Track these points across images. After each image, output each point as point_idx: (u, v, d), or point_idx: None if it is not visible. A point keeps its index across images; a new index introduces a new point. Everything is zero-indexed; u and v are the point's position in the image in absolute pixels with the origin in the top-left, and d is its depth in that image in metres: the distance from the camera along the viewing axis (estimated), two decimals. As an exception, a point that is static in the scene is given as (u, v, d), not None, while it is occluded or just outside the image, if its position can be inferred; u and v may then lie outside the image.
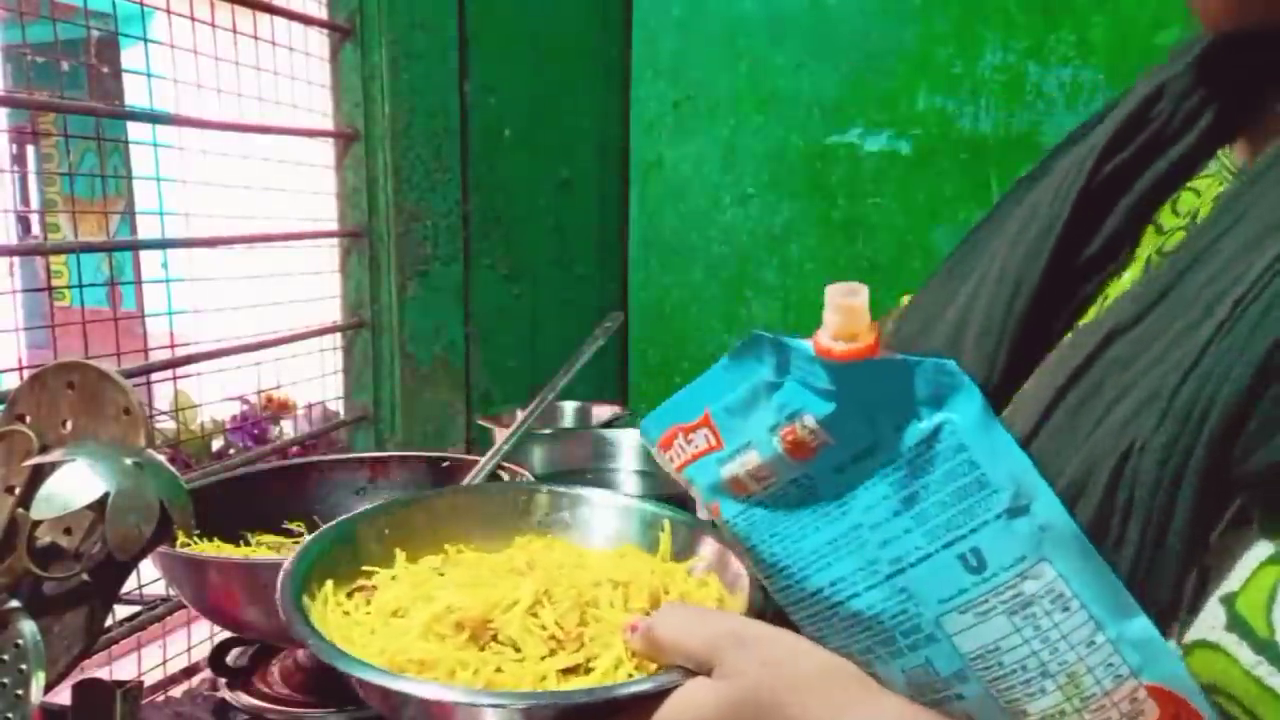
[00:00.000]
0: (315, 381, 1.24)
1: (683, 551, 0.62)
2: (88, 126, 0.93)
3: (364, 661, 0.48)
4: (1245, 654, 0.33)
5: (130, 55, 1.07)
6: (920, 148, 1.55)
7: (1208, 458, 0.35)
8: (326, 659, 0.48)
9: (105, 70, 1.01)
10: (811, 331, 0.44)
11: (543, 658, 0.50)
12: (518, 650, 0.51)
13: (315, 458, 1.12)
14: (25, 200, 1.25)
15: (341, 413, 1.29)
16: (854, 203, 1.60)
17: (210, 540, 0.88)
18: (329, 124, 1.23)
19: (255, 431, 1.22)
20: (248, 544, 0.92)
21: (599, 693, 0.46)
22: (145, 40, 0.98)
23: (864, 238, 1.60)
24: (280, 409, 1.25)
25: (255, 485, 0.97)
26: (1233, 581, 0.35)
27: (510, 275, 1.49)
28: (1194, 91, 0.51)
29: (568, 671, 0.49)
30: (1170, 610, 0.36)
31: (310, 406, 1.27)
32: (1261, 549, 0.34)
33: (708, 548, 0.61)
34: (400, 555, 0.62)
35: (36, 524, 0.55)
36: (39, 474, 0.54)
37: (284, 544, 0.94)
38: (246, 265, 1.11)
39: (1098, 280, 0.50)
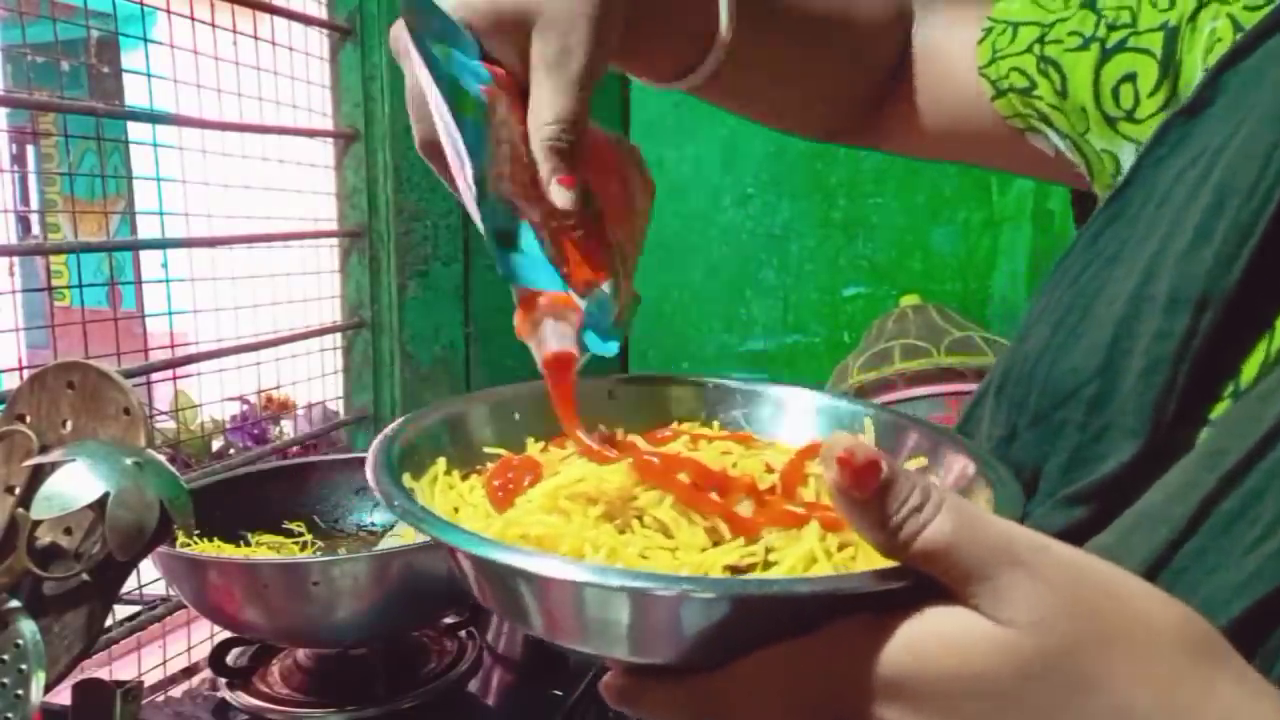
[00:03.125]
0: (315, 381, 1.24)
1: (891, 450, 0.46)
2: (88, 126, 0.93)
3: (470, 532, 0.35)
4: None
5: (130, 55, 1.07)
6: (920, 148, 1.55)
7: None
8: (420, 526, 0.35)
9: (105, 70, 1.01)
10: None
11: (703, 549, 0.36)
12: (669, 537, 0.37)
13: (315, 458, 1.12)
14: (25, 200, 1.24)
15: (341, 413, 1.29)
16: (854, 203, 1.60)
17: (210, 540, 0.88)
18: (329, 124, 1.23)
19: (255, 431, 1.22)
20: (248, 544, 0.92)
21: (821, 584, 0.32)
22: (145, 40, 0.98)
23: (864, 238, 1.60)
24: (280, 409, 1.25)
25: (255, 485, 0.97)
26: None
27: (510, 275, 1.49)
28: None
29: (735, 570, 0.35)
30: None
31: (310, 406, 1.27)
32: None
33: (920, 445, 0.46)
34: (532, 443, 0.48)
35: (36, 524, 0.55)
36: (39, 474, 0.54)
37: (284, 544, 0.94)
38: (246, 265, 1.11)
39: None
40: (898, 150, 0.66)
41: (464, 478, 0.45)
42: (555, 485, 0.40)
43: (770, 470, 0.42)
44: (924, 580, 0.29)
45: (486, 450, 0.47)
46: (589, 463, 0.42)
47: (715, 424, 0.53)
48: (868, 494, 0.28)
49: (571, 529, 0.37)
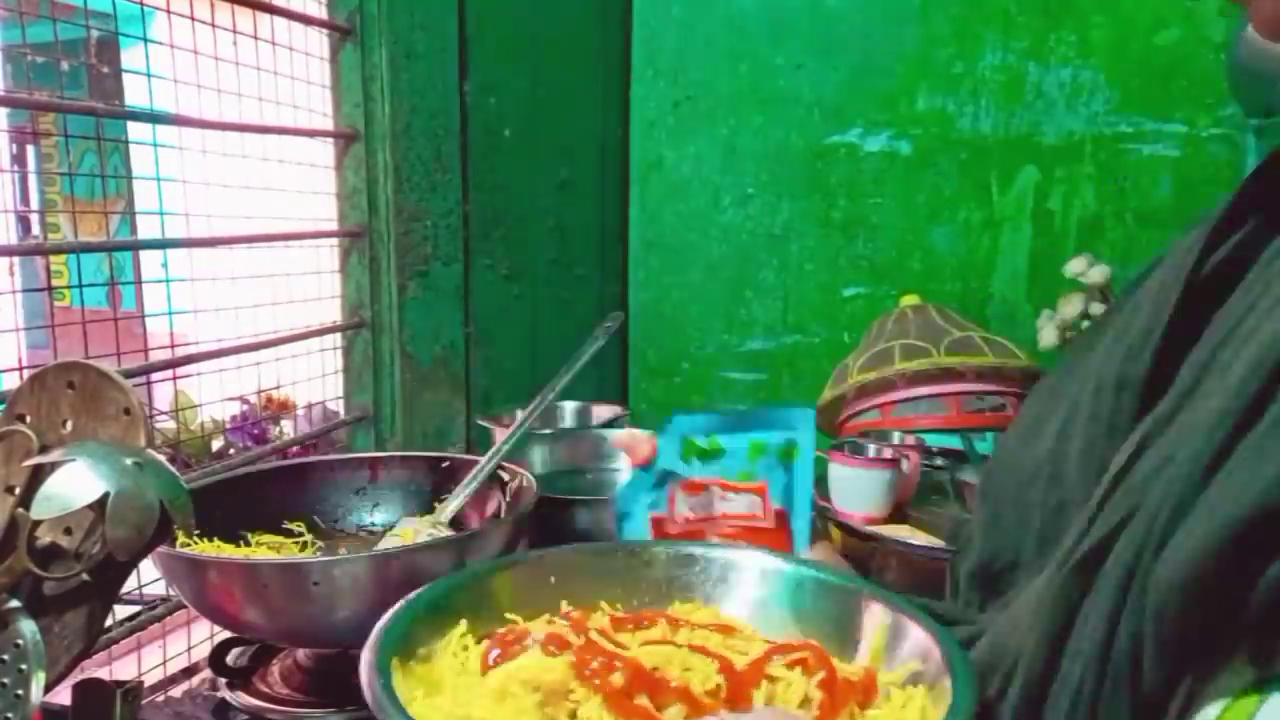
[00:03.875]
0: (315, 381, 1.24)
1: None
2: (88, 126, 0.93)
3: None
4: None
5: (130, 55, 1.07)
6: (920, 148, 1.55)
7: (1169, 594, 0.34)
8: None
9: (105, 70, 1.01)
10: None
11: None
12: None
13: (315, 458, 1.12)
14: (25, 200, 1.24)
15: (341, 413, 1.29)
16: (854, 203, 1.60)
17: (210, 540, 0.88)
18: (329, 124, 1.23)
19: (255, 431, 1.22)
20: (248, 544, 0.92)
21: None
22: (145, 40, 0.98)
23: (864, 238, 1.60)
24: (280, 409, 1.25)
25: (255, 485, 0.97)
26: (1212, 709, 0.33)
27: (510, 275, 1.49)
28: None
29: None
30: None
31: (310, 406, 1.27)
32: (1245, 675, 0.33)
33: (883, 619, 0.49)
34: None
35: (37, 524, 0.55)
36: (39, 474, 0.54)
37: (284, 544, 0.94)
38: (246, 265, 1.11)
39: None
40: None
41: (479, 640, 0.50)
42: (507, 672, 0.44)
43: (726, 669, 0.45)
44: None
45: (506, 615, 0.53)
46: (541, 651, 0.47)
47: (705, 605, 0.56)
48: None
49: (507, 717, 0.42)
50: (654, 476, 0.67)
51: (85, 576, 0.56)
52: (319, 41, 1.20)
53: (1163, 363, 0.44)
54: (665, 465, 0.67)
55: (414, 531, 0.92)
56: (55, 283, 0.97)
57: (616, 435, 0.71)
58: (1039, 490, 0.48)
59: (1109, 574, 0.36)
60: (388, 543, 0.93)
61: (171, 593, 0.92)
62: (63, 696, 0.59)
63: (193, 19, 1.00)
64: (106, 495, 0.52)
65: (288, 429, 1.26)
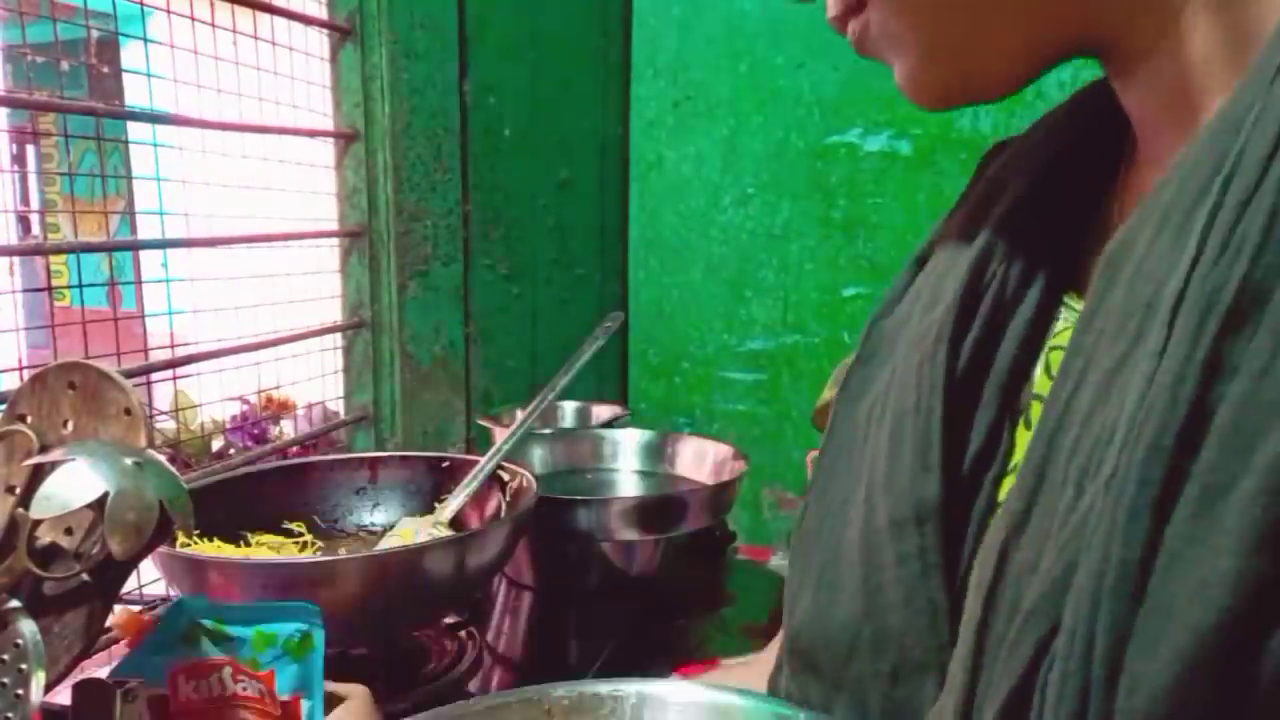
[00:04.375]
0: (315, 381, 1.24)
1: None
2: (88, 126, 0.93)
3: None
4: None
5: (130, 55, 1.07)
6: (920, 148, 1.55)
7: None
8: None
9: (105, 70, 1.01)
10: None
11: None
12: None
13: (315, 458, 1.12)
14: (25, 200, 1.24)
15: (341, 413, 1.29)
16: (854, 203, 1.60)
17: (210, 540, 0.88)
18: (329, 124, 1.23)
19: (255, 431, 1.22)
20: (248, 544, 0.92)
21: None
22: (145, 40, 0.98)
23: (864, 238, 1.60)
24: (280, 409, 1.25)
25: (255, 485, 0.98)
26: None
27: (510, 275, 1.49)
28: (1020, 244, 0.45)
29: None
30: None
31: (310, 406, 1.27)
32: None
33: None
34: None
35: (37, 524, 0.55)
36: (39, 473, 0.54)
37: (284, 544, 0.94)
38: (246, 265, 1.11)
39: (991, 484, 0.42)
40: None
41: None
42: None
43: None
44: None
45: None
46: None
47: None
48: None
49: None
50: (152, 656, 0.64)
51: (85, 576, 0.56)
52: (319, 41, 1.20)
53: (947, 487, 0.41)
54: (166, 646, 0.64)
55: (414, 531, 0.92)
56: (55, 283, 0.97)
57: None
58: (866, 662, 0.42)
59: (1045, 710, 0.31)
60: (388, 543, 0.93)
61: (171, 593, 0.92)
62: (63, 697, 0.59)
63: (192, 19, 1.00)
64: (106, 495, 0.52)
65: (288, 429, 1.26)
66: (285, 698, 0.65)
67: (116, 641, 0.90)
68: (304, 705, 0.65)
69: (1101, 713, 0.29)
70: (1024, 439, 0.41)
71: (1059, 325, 0.43)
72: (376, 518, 1.03)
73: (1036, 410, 0.41)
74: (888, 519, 0.42)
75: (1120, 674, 0.29)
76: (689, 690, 0.48)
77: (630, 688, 0.49)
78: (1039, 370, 0.43)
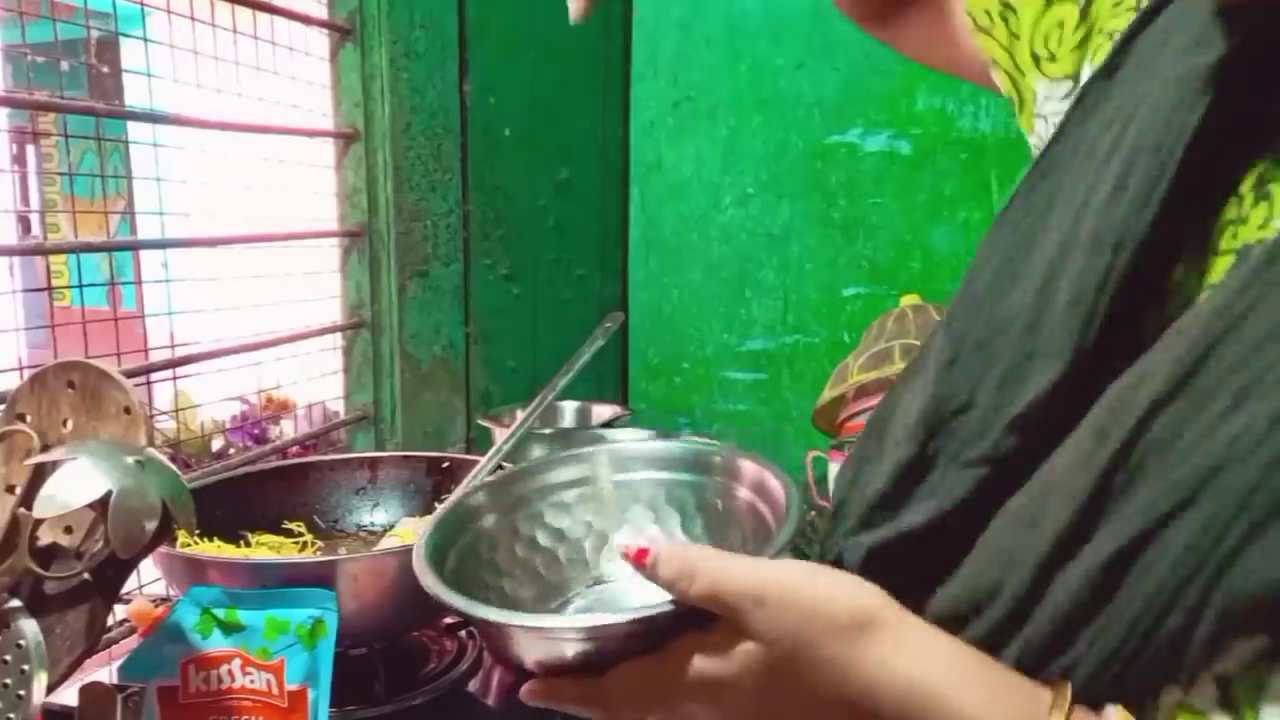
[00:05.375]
0: (315, 381, 1.24)
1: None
2: (88, 126, 0.93)
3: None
4: None
5: (130, 55, 1.07)
6: (920, 148, 1.55)
7: (1244, 601, 0.35)
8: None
9: (105, 70, 1.01)
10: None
11: None
12: None
13: (315, 458, 1.12)
14: (25, 200, 1.24)
15: (341, 413, 1.29)
16: (854, 203, 1.60)
17: (210, 540, 0.88)
18: (329, 124, 1.23)
19: (255, 431, 1.22)
20: (248, 544, 0.92)
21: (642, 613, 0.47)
22: (145, 40, 0.98)
23: (864, 238, 1.60)
24: (280, 409, 1.25)
25: (255, 485, 0.97)
26: (1231, 667, 0.36)
27: (510, 275, 1.49)
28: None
29: None
30: (1167, 675, 0.38)
31: (310, 406, 1.27)
32: (1260, 642, 0.35)
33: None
34: None
35: (38, 523, 0.55)
36: (40, 473, 0.54)
37: (284, 544, 0.94)
38: (246, 265, 1.11)
39: (1207, 242, 0.43)
40: (910, 53, 0.73)
41: None
42: None
43: None
44: (706, 612, 0.45)
45: None
46: None
47: None
48: (646, 568, 0.45)
49: None
50: (164, 646, 0.66)
51: (86, 576, 0.56)
52: (319, 41, 1.20)
53: (1162, 220, 0.42)
54: (178, 636, 0.66)
55: (413, 532, 0.92)
56: (55, 283, 0.97)
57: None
58: (1012, 337, 0.46)
59: (1168, 561, 0.36)
60: (387, 543, 0.93)
61: (171, 593, 0.92)
62: (64, 697, 0.59)
63: (192, 19, 1.00)
64: (108, 494, 0.52)
65: (288, 429, 1.26)
66: (293, 687, 0.65)
67: (116, 642, 0.90)
68: (310, 695, 0.66)
69: (1217, 572, 0.35)
70: (1223, 263, 0.42)
71: None
72: (376, 518, 1.03)
73: (1259, 212, 0.41)
74: (1091, 234, 0.44)
75: (1242, 555, 0.34)
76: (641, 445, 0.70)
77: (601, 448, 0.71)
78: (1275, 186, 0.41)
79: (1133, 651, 0.37)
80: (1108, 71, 0.48)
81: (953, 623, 0.43)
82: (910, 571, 0.46)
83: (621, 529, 0.67)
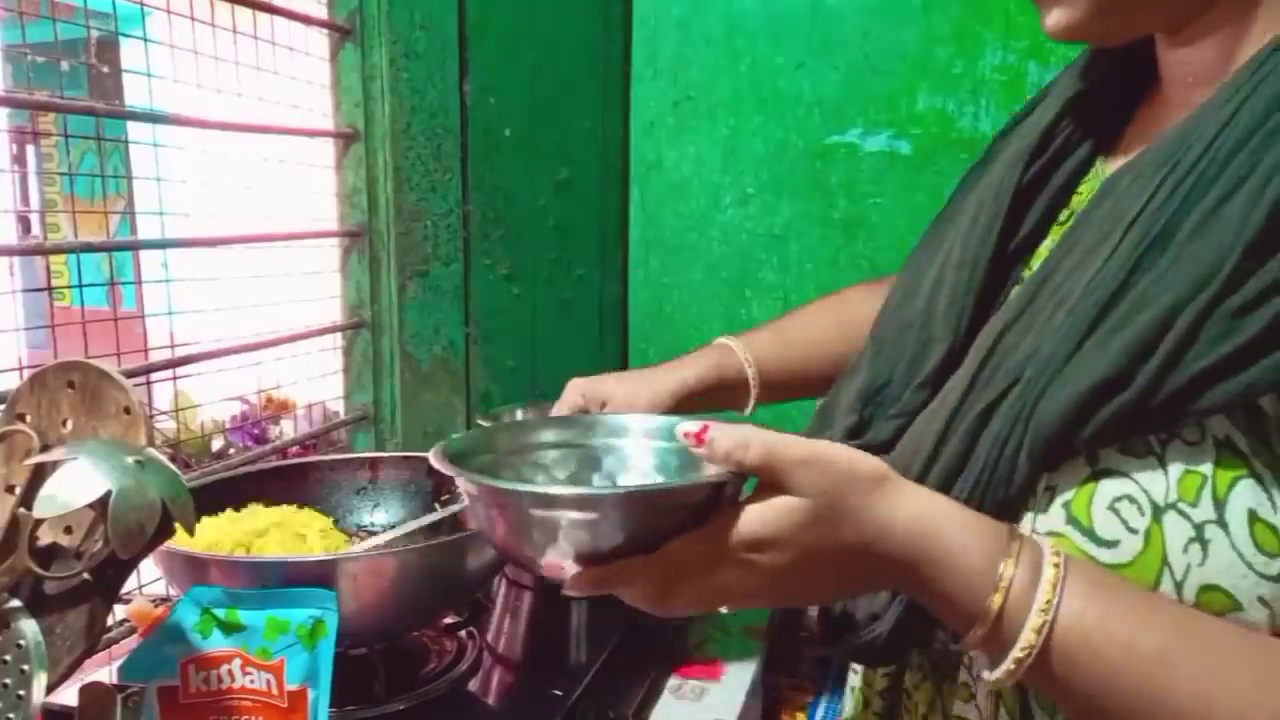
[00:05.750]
0: (315, 381, 1.24)
1: None
2: (88, 126, 0.93)
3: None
4: (1078, 537, 0.53)
5: (130, 55, 1.07)
6: (920, 148, 1.55)
7: (1044, 427, 0.53)
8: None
9: (105, 70, 1.01)
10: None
11: None
12: None
13: (315, 458, 1.12)
14: (25, 200, 1.25)
15: (341, 413, 1.29)
16: (854, 203, 1.60)
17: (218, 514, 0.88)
18: (329, 124, 1.23)
19: (255, 431, 1.22)
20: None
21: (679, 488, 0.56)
22: (145, 40, 0.98)
23: (864, 238, 1.60)
24: (280, 409, 1.25)
25: (255, 485, 0.97)
26: (1069, 494, 0.54)
27: (510, 275, 1.49)
28: (1086, 116, 0.67)
29: None
30: (1020, 508, 0.56)
31: (310, 406, 1.27)
32: (1084, 472, 0.53)
33: None
34: None
35: (38, 523, 0.55)
36: (40, 473, 0.54)
37: (307, 523, 0.94)
38: (246, 265, 1.11)
39: (1025, 261, 0.67)
40: None
41: None
42: None
43: None
44: (761, 478, 0.53)
45: None
46: None
47: None
48: (705, 444, 0.53)
49: None
50: (164, 646, 0.66)
51: (86, 576, 0.56)
52: (319, 41, 1.20)
53: (1000, 244, 0.66)
54: (178, 636, 0.66)
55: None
56: (55, 283, 0.97)
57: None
58: (914, 331, 0.67)
59: (1002, 419, 0.55)
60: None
61: (171, 592, 0.92)
62: (64, 697, 0.59)
63: (192, 19, 1.00)
64: (108, 494, 0.52)
65: (288, 429, 1.26)
66: (293, 688, 0.66)
67: (116, 642, 0.90)
68: (310, 695, 0.66)
69: (1028, 417, 0.54)
70: (1045, 250, 0.66)
71: (1087, 177, 0.67)
72: (376, 518, 1.03)
73: (1056, 233, 0.66)
74: (959, 258, 0.67)
75: (1040, 401, 0.54)
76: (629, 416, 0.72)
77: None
78: (1068, 204, 0.67)
79: (986, 483, 0.55)
80: (981, 164, 0.74)
81: None
82: None
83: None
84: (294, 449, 1.19)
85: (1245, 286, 0.48)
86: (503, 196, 1.45)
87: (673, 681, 1.03)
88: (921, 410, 0.63)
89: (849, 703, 0.73)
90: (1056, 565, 0.50)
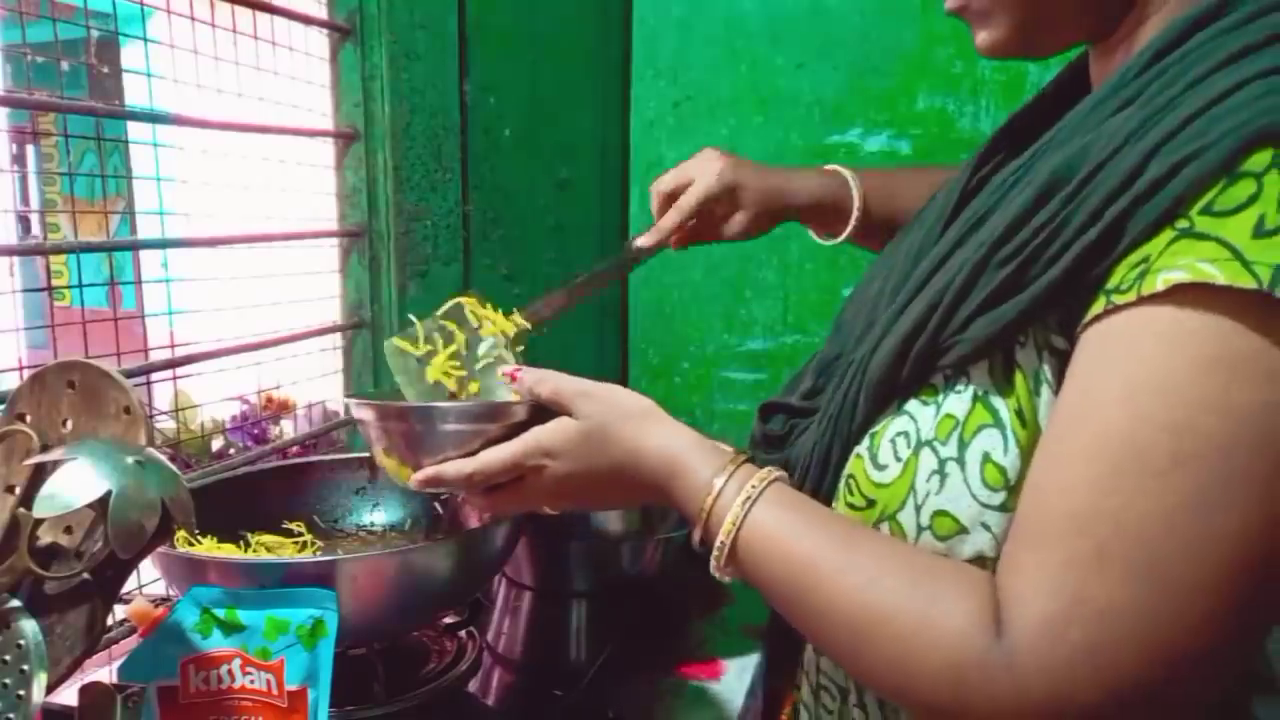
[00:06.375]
0: (315, 381, 1.24)
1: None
2: (88, 126, 0.93)
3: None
4: (866, 461, 0.63)
5: (130, 55, 1.07)
6: (920, 148, 1.55)
7: (873, 376, 0.63)
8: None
9: (105, 70, 1.01)
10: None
11: None
12: None
13: (315, 458, 1.12)
14: (25, 200, 1.24)
15: (341, 413, 1.29)
16: (854, 203, 1.60)
17: (208, 538, 0.88)
18: (329, 124, 1.23)
19: (255, 431, 1.22)
20: (247, 544, 0.92)
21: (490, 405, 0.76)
22: (145, 40, 0.98)
23: (864, 238, 1.60)
24: (280, 409, 1.25)
25: (255, 485, 0.97)
26: (879, 426, 0.63)
27: (510, 275, 1.49)
28: (1029, 121, 0.72)
29: None
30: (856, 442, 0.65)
31: (310, 406, 1.27)
32: (891, 412, 0.62)
33: None
34: None
35: (38, 523, 0.55)
36: (40, 473, 0.54)
37: (283, 544, 0.94)
38: (246, 265, 1.11)
39: None
40: None
41: None
42: None
43: None
44: (550, 409, 0.71)
45: None
46: None
47: None
48: (517, 381, 0.75)
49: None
50: (164, 646, 0.66)
51: (86, 576, 0.56)
52: (319, 41, 1.20)
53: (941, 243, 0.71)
54: (178, 636, 0.66)
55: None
56: (55, 283, 0.97)
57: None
58: (864, 314, 0.73)
59: (853, 371, 0.65)
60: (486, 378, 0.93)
61: (171, 593, 0.92)
62: (65, 697, 0.59)
63: (192, 19, 1.00)
64: (108, 494, 0.52)
65: (288, 429, 1.26)
66: (293, 688, 0.65)
67: (116, 642, 0.90)
68: (310, 695, 0.66)
69: (865, 366, 0.64)
70: None
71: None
72: (376, 518, 1.03)
73: None
74: (907, 249, 0.72)
75: (874, 353, 0.63)
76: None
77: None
78: None
79: (836, 418, 0.66)
80: (947, 181, 0.78)
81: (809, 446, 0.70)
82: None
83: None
84: (294, 449, 1.19)
85: (1008, 245, 0.56)
86: (503, 196, 1.45)
87: (673, 681, 1.03)
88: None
89: (804, 688, 0.74)
90: (754, 485, 0.62)
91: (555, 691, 0.91)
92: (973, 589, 0.53)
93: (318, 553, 0.94)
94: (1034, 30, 0.62)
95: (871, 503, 0.62)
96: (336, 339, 1.27)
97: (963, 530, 0.57)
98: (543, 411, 0.71)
